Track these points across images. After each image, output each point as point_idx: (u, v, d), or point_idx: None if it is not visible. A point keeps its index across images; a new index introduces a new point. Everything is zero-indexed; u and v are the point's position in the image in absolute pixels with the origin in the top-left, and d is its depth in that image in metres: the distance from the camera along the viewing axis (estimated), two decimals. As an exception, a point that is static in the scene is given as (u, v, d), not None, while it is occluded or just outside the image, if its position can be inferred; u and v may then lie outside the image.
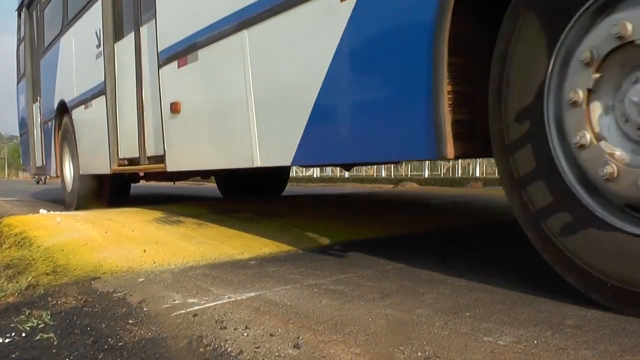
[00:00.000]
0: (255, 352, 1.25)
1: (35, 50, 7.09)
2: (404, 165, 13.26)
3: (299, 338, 1.30)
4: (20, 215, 3.95)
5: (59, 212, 4.15)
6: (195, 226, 3.16)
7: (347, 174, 12.68)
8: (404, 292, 1.70)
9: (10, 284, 2.11)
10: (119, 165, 4.47)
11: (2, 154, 79.66)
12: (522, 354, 1.14)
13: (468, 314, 1.44)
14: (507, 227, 3.24)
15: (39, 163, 7.34)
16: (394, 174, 12.83)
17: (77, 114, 5.33)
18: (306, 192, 8.01)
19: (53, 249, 2.58)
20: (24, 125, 8.11)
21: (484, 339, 1.25)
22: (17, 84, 8.30)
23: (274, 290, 1.78)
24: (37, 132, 7.30)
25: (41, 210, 4.58)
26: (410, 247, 2.59)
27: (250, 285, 1.85)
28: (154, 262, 2.26)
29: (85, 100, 5.00)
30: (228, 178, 6.18)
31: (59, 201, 6.74)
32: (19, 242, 2.96)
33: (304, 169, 12.75)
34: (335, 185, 11.19)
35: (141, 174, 4.71)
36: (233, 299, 1.68)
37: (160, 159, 3.64)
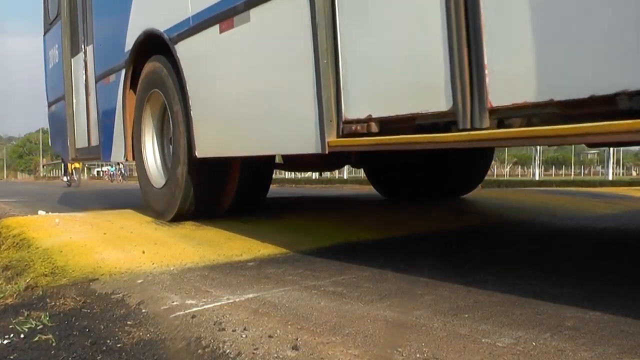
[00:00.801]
0: (253, 353, 1.25)
1: None
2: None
3: (297, 339, 1.30)
4: (19, 217, 3.94)
5: (57, 214, 4.15)
6: (193, 227, 3.15)
7: (345, 176, 12.68)
8: (403, 294, 1.70)
9: (9, 286, 2.11)
10: (351, 133, 2.01)
11: (0, 155, 79.68)
12: (521, 356, 1.15)
13: (467, 316, 1.44)
14: (506, 229, 3.25)
15: (82, 143, 4.96)
16: (392, 176, 12.84)
17: (195, 46, 2.92)
18: (305, 193, 8.00)
19: (52, 250, 2.58)
20: (55, 90, 5.71)
21: (483, 340, 1.25)
22: (44, 34, 6.05)
23: (272, 291, 1.78)
24: (80, 97, 4.96)
25: (40, 212, 4.57)
26: (408, 249, 2.59)
27: (249, 287, 1.85)
28: (153, 264, 2.26)
29: (224, 15, 2.61)
30: (389, 170, 4.26)
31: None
32: (17, 244, 2.96)
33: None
34: (334, 187, 11.19)
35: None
36: (232, 301, 1.68)
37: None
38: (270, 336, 1.34)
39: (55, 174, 51.24)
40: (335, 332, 1.35)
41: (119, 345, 1.42)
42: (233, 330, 1.40)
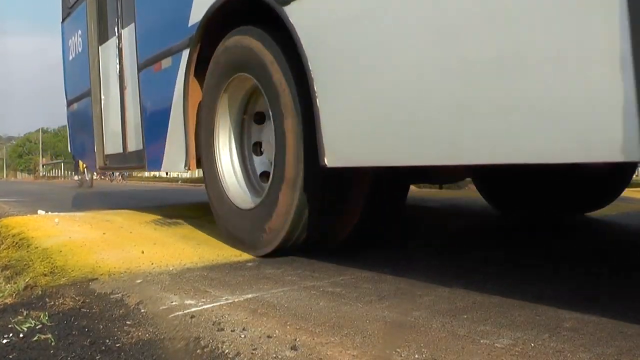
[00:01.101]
0: (252, 353, 1.25)
1: None
2: (402, 168, 13.21)
3: (296, 340, 1.31)
4: (19, 216, 3.95)
5: (57, 214, 4.15)
6: (193, 227, 3.16)
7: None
8: (402, 295, 1.70)
9: (8, 285, 2.11)
10: None
11: (0, 155, 79.77)
12: (520, 357, 1.15)
13: (465, 317, 1.44)
14: (505, 230, 3.25)
15: (114, 148, 4.06)
16: (392, 176, 12.80)
17: (329, 6, 1.93)
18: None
19: (51, 249, 2.58)
20: (77, 85, 4.73)
21: (482, 341, 1.25)
22: (63, 21, 5.11)
23: (271, 292, 1.78)
24: (112, 91, 4.03)
25: (39, 211, 4.58)
26: (408, 249, 2.59)
27: (248, 287, 1.85)
28: (152, 264, 2.26)
29: None
30: (504, 182, 3.59)
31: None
32: (17, 243, 2.97)
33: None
34: (334, 187, 11.20)
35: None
36: (230, 301, 1.68)
37: None
38: (269, 336, 1.34)
39: (55, 173, 51.26)
40: (334, 332, 1.35)
41: (117, 345, 1.42)
42: (232, 331, 1.40)
